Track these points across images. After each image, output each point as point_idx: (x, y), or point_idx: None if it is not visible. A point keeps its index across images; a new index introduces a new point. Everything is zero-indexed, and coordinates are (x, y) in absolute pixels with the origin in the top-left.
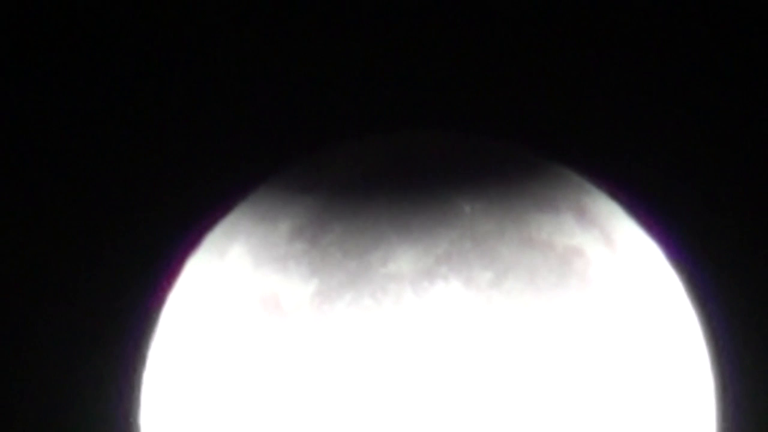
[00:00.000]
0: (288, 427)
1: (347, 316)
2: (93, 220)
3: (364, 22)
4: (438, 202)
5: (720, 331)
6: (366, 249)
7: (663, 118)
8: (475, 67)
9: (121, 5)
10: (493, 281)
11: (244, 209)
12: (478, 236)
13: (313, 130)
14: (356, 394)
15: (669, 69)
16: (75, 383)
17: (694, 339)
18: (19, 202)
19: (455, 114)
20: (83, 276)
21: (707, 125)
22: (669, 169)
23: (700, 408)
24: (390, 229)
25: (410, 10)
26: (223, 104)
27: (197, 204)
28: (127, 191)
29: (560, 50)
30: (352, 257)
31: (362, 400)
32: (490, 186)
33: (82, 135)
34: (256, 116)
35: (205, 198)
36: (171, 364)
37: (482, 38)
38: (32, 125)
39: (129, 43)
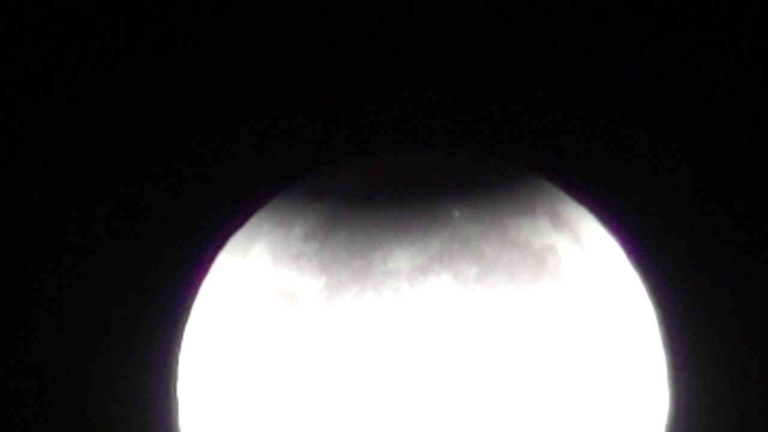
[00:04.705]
0: (303, 399)
1: (353, 306)
2: (137, 224)
3: (370, 58)
4: (431, 208)
5: (672, 319)
6: (368, 249)
7: (626, 134)
8: (463, 92)
9: (147, 20)
10: (478, 276)
11: (264, 215)
12: (465, 238)
13: (323, 147)
14: (361, 372)
15: (631, 90)
16: (119, 361)
17: (649, 325)
18: (77, 208)
19: (447, 132)
20: (130, 271)
21: (665, 140)
22: (630, 178)
23: (651, 385)
24: (389, 232)
25: (408, 51)
26: (248, 127)
27: (224, 210)
28: (167, 199)
29: (534, 77)
30: (356, 256)
31: (366, 377)
32: (475, 194)
33: (131, 155)
34: (276, 136)
35: (231, 205)
36: (203, 346)
37: (469, 68)
38: (80, 130)
39: (168, 62)
